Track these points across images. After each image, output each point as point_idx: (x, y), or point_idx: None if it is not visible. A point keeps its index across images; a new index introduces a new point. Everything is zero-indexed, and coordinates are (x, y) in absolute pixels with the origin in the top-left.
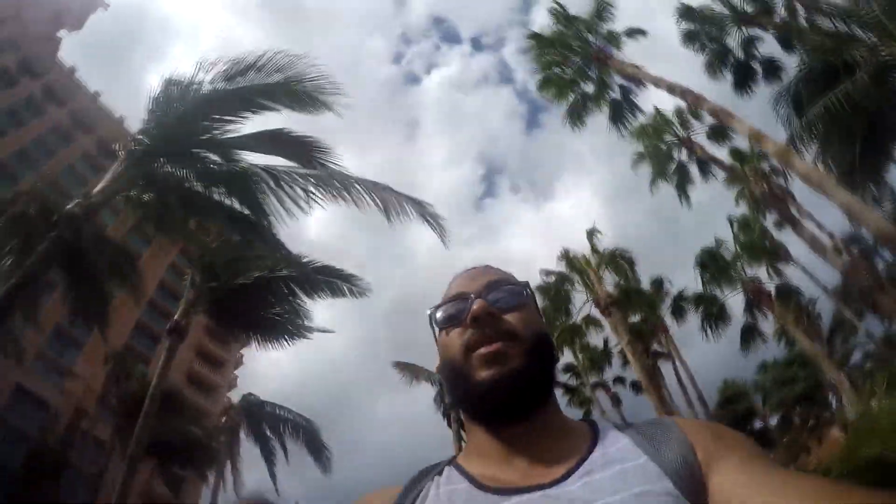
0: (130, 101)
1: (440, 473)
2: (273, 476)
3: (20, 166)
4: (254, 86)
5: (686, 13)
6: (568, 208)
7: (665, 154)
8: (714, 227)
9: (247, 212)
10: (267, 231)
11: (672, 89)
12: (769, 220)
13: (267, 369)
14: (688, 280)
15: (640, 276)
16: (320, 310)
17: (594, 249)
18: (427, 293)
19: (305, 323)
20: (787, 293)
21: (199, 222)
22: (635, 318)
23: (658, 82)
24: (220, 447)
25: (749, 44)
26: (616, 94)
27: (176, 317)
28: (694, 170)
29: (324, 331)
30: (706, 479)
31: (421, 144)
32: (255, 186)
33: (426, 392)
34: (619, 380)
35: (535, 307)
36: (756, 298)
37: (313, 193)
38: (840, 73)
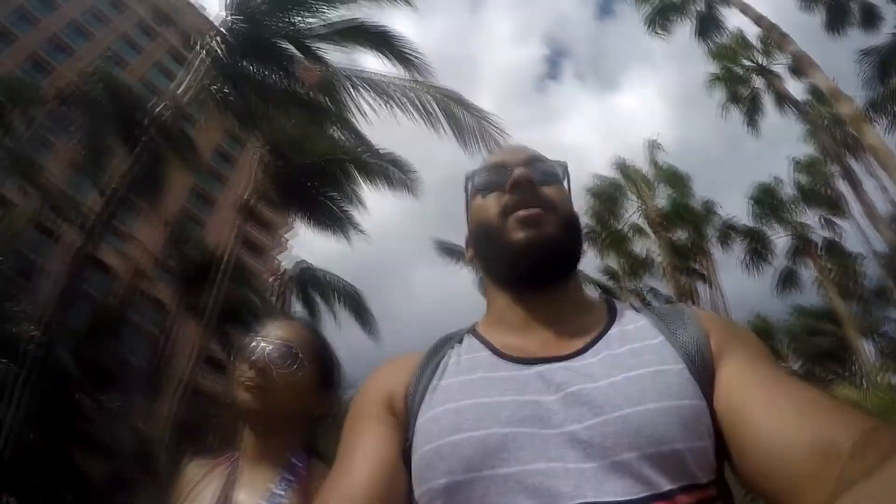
0: None
1: (460, 342)
2: None
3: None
4: None
5: None
6: (631, 104)
7: (741, 79)
8: (775, 163)
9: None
10: (342, 119)
11: (759, 20)
12: (834, 171)
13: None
14: (738, 209)
15: (693, 194)
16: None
17: (653, 161)
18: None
19: (357, 211)
20: (834, 249)
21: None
22: (681, 236)
23: (746, 9)
24: (273, 311)
25: None
26: (702, 6)
27: (245, 195)
28: (767, 100)
29: (363, 232)
30: (715, 368)
31: (485, 16)
32: (335, 89)
33: (464, 271)
34: (653, 291)
35: (569, 188)
36: (802, 246)
37: (389, 102)
38: None
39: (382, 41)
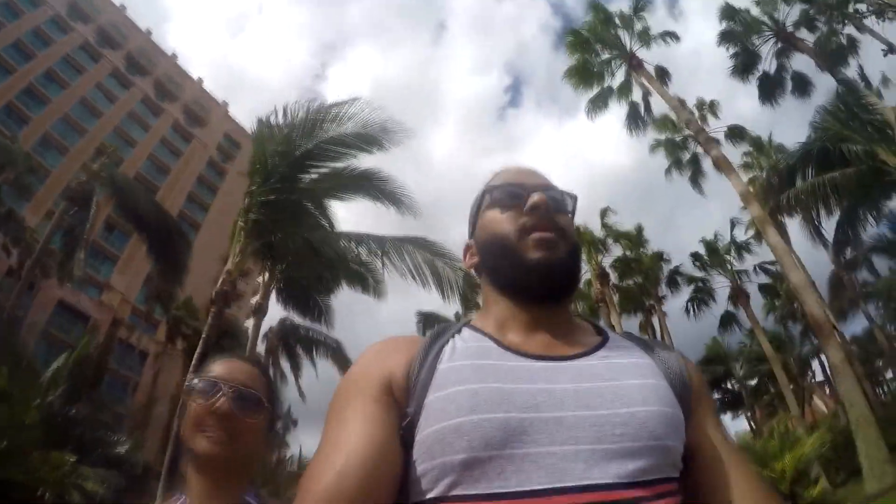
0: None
1: (459, 332)
2: (299, 387)
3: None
4: (333, 137)
5: (727, 13)
6: (590, 130)
7: (679, 145)
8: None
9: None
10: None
11: (688, 123)
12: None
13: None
14: (693, 231)
15: (646, 242)
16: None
17: (604, 225)
18: (441, 200)
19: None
20: (769, 290)
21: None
22: (637, 280)
23: (677, 109)
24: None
25: (782, 54)
26: (637, 97)
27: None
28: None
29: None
30: (692, 408)
31: (448, 49)
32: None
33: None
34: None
35: (573, 218)
36: (736, 294)
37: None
38: (835, 156)
39: (378, 189)
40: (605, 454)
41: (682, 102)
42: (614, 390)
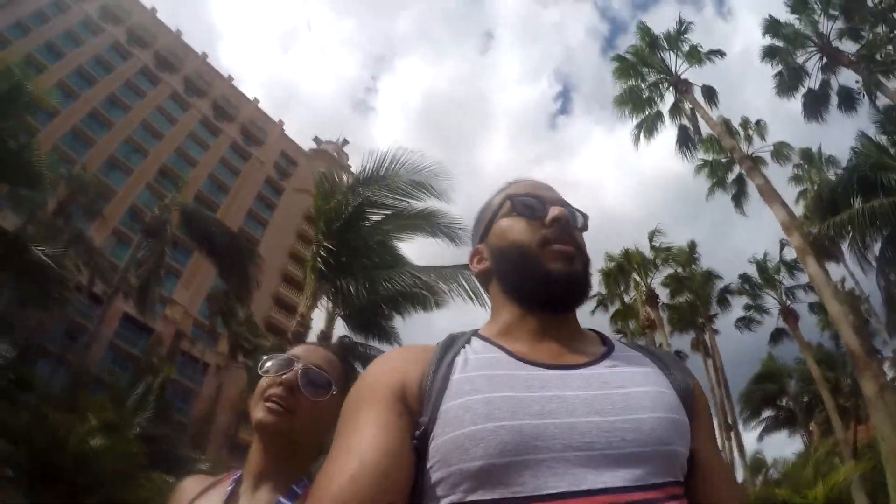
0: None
1: (468, 342)
2: None
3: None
4: (392, 184)
5: (771, 27)
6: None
7: (724, 166)
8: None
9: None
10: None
11: (733, 151)
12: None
13: None
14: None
15: (698, 259)
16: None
17: (653, 248)
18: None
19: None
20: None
21: None
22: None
23: (722, 136)
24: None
25: (826, 70)
26: (685, 121)
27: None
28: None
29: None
30: (691, 422)
31: (496, 58)
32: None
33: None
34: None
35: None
36: (786, 315)
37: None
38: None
39: (435, 226)
40: (617, 459)
41: (727, 124)
42: (623, 398)
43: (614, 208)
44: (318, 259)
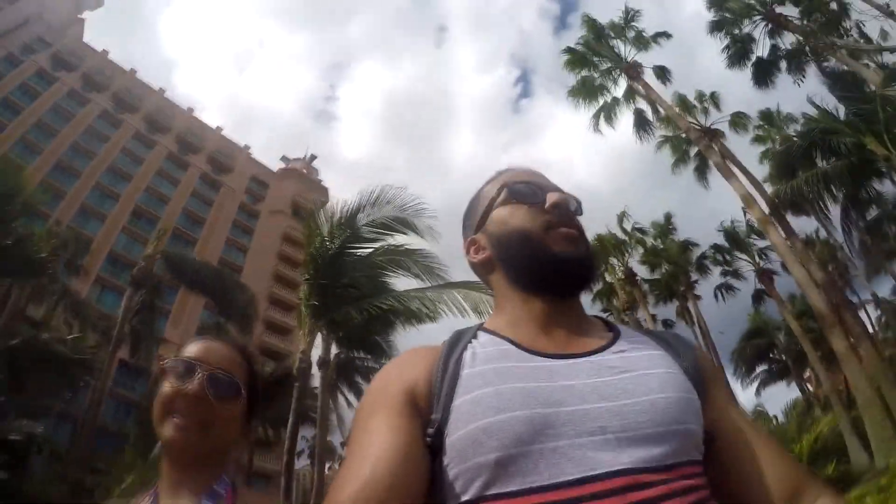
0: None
1: (475, 337)
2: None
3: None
4: (376, 220)
5: (714, 1)
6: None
7: (683, 141)
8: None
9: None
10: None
11: (688, 131)
12: None
13: None
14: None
15: (674, 230)
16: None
17: (623, 230)
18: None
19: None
20: None
21: None
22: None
23: (676, 117)
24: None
25: (773, 35)
26: (641, 104)
27: (297, 363)
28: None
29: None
30: (705, 397)
31: (451, 51)
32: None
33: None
34: (653, 317)
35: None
36: (760, 276)
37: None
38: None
39: (417, 264)
40: (632, 441)
41: (683, 101)
42: (633, 381)
43: (587, 182)
44: (311, 297)
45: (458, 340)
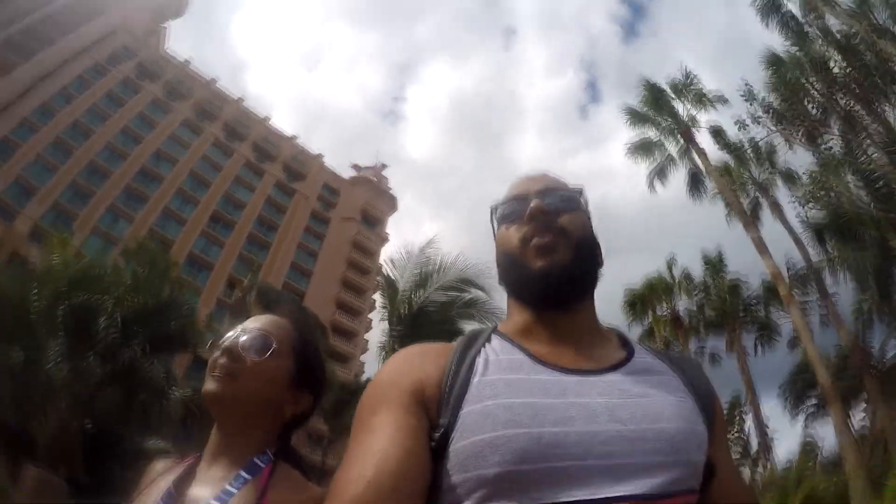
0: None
1: (489, 341)
2: None
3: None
4: (444, 284)
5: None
6: None
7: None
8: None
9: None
10: None
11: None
12: None
13: None
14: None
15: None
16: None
17: (671, 275)
18: None
19: None
20: None
21: None
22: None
23: (725, 191)
24: None
25: None
26: (695, 165)
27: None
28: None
29: None
30: (711, 429)
31: (520, 53)
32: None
33: None
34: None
35: (586, 212)
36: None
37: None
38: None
39: (480, 313)
40: (637, 468)
41: (729, 173)
42: (644, 406)
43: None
44: (394, 346)
45: (472, 343)
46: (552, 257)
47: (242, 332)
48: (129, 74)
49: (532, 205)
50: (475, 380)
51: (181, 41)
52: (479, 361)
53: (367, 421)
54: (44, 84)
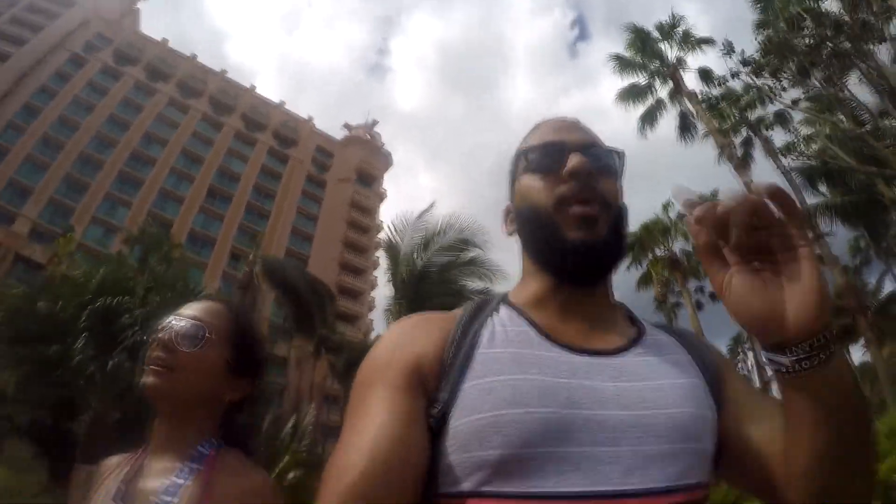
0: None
1: (496, 310)
2: None
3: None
4: (443, 245)
5: None
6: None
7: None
8: None
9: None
10: None
11: (723, 147)
12: None
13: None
14: None
15: None
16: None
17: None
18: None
19: None
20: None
21: None
22: None
23: (715, 135)
24: None
25: None
26: (685, 107)
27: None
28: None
29: None
30: (721, 397)
31: None
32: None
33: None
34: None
35: (621, 179)
36: None
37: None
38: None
39: (480, 271)
40: (645, 457)
41: (721, 115)
42: (654, 391)
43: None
44: (400, 311)
45: (478, 312)
46: (592, 231)
47: (177, 321)
48: (108, 61)
49: (575, 162)
50: (479, 352)
51: (156, 19)
52: (485, 333)
53: (360, 400)
54: (23, 84)
